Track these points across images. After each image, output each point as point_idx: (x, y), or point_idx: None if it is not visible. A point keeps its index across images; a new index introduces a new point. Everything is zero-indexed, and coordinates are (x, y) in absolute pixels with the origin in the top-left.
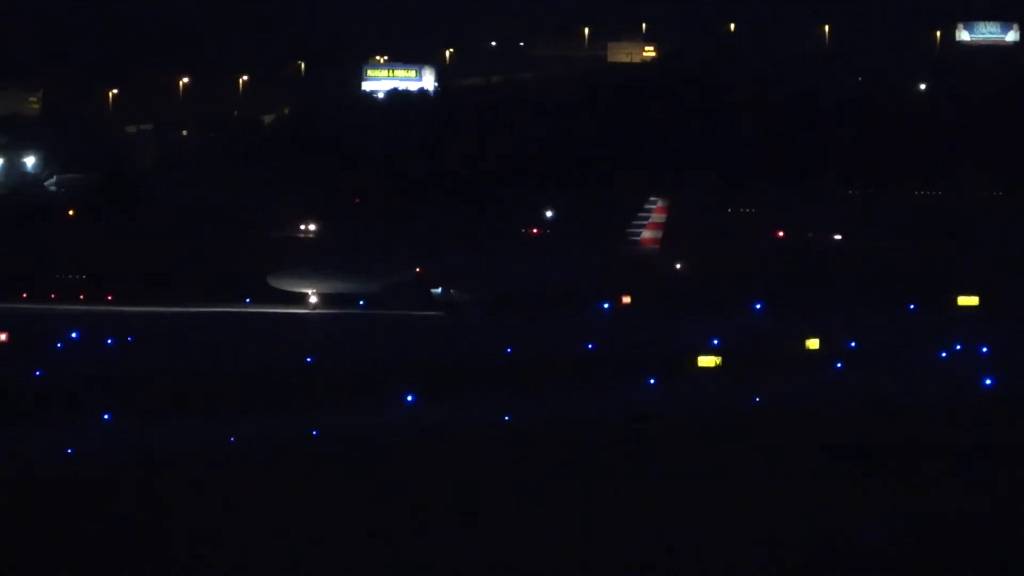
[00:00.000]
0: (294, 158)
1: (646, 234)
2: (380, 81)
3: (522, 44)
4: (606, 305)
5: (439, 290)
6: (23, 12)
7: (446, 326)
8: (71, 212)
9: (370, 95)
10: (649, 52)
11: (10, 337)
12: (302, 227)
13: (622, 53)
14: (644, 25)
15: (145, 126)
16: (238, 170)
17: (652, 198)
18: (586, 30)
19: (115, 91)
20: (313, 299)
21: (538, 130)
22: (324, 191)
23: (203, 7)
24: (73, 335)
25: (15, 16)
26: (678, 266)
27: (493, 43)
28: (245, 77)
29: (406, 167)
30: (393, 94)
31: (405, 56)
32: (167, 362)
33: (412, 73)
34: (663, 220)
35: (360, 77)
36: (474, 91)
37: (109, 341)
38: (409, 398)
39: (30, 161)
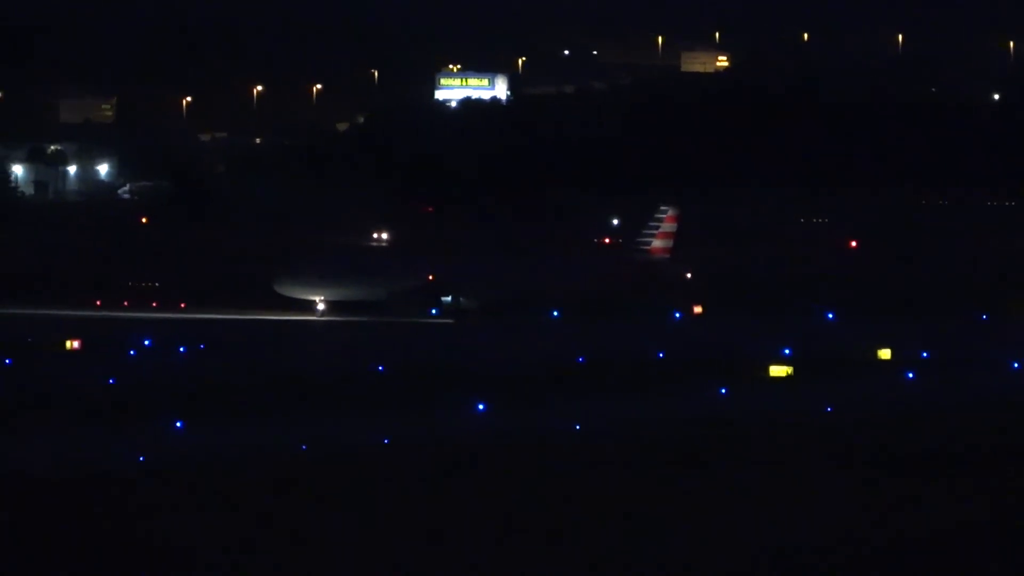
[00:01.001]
0: (367, 166)
1: (656, 243)
2: (453, 90)
3: (595, 53)
4: (677, 314)
5: (448, 297)
6: (97, 20)
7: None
8: (144, 219)
9: (443, 103)
10: (722, 61)
11: (83, 344)
12: (374, 235)
13: (695, 62)
14: (717, 34)
15: (219, 134)
16: (311, 178)
17: (663, 207)
18: (659, 39)
19: (189, 99)
20: (320, 306)
21: (610, 139)
22: (397, 199)
23: (278, 15)
24: (146, 342)
25: (90, 24)
26: (688, 275)
27: (566, 52)
28: (319, 85)
29: (477, 175)
30: (466, 102)
31: (478, 64)
32: (238, 369)
33: (485, 82)
34: (673, 229)
35: (433, 85)
36: (546, 100)
37: (181, 349)
38: (480, 406)
39: (103, 169)
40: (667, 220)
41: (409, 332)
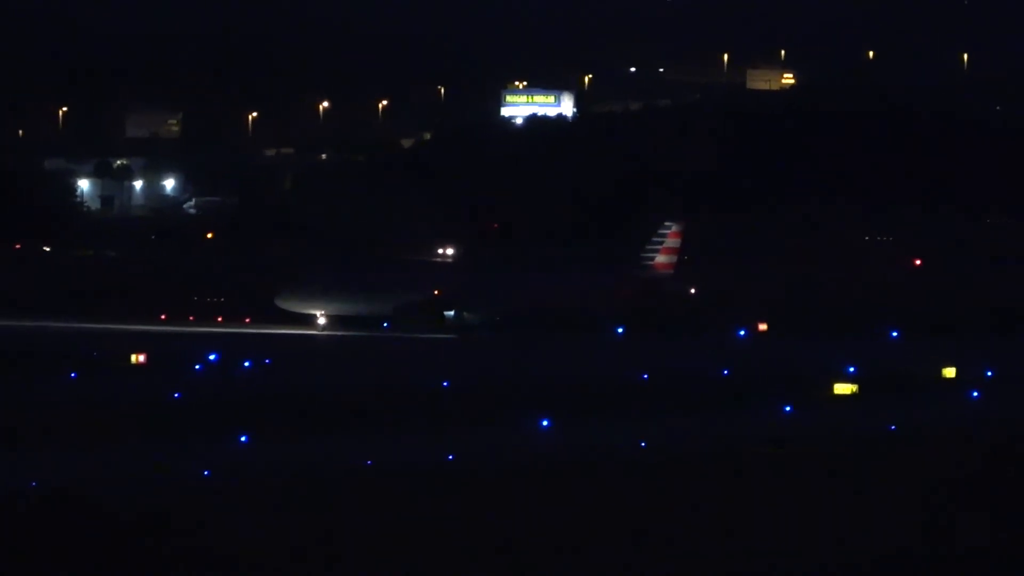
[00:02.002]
0: (432, 182)
1: (660, 259)
2: (519, 106)
3: (661, 70)
4: (741, 332)
5: (451, 312)
6: (164, 35)
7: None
8: (209, 235)
9: (509, 120)
10: (788, 79)
11: (149, 359)
12: (439, 251)
13: (761, 80)
14: (783, 52)
15: (285, 149)
16: (377, 194)
17: (667, 223)
18: (725, 57)
19: (255, 114)
20: (321, 320)
21: (676, 156)
22: (462, 215)
23: (344, 32)
24: (211, 357)
25: (156, 39)
26: (692, 291)
27: (632, 69)
28: (385, 101)
29: (543, 192)
30: (532, 119)
31: (544, 81)
32: (303, 383)
33: (551, 99)
34: (677, 245)
35: (499, 102)
36: (612, 117)
37: (246, 363)
38: (544, 422)
39: (169, 184)
40: (671, 236)
41: (456, 347)
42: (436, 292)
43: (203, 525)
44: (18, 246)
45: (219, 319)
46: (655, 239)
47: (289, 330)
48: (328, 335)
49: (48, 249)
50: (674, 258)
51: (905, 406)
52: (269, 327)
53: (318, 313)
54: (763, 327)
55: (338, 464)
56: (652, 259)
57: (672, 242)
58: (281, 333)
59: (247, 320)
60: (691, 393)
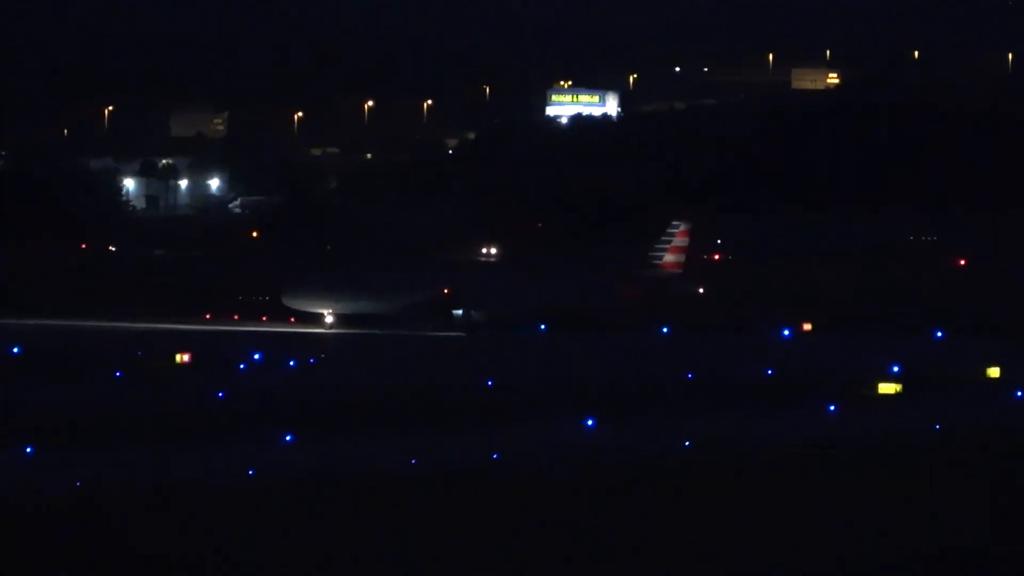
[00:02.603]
0: (477, 182)
1: (668, 258)
2: (564, 106)
3: (706, 70)
4: (786, 331)
5: (459, 311)
6: (210, 35)
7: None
8: (254, 233)
9: (553, 120)
10: (833, 79)
11: (193, 358)
12: (483, 250)
13: (806, 79)
14: (828, 52)
15: (330, 149)
16: (421, 193)
17: (675, 222)
18: (770, 56)
19: (300, 114)
20: (329, 319)
21: (720, 156)
22: (506, 215)
23: (390, 32)
24: (255, 356)
25: (202, 39)
26: (700, 290)
27: (677, 69)
28: (430, 101)
29: (587, 192)
30: (576, 119)
31: (589, 81)
32: (349, 382)
33: (595, 98)
34: (685, 244)
35: (544, 102)
36: (656, 117)
37: (291, 363)
38: (589, 422)
39: (214, 183)
40: (679, 235)
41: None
42: (446, 291)
43: (246, 524)
44: (84, 245)
45: (264, 318)
46: (663, 238)
47: (326, 329)
48: (372, 334)
49: (114, 249)
50: (682, 257)
51: (949, 406)
52: (279, 325)
53: (325, 312)
54: (808, 326)
55: (384, 463)
56: (660, 258)
57: (680, 241)
58: (323, 332)
59: (292, 320)
60: (736, 393)
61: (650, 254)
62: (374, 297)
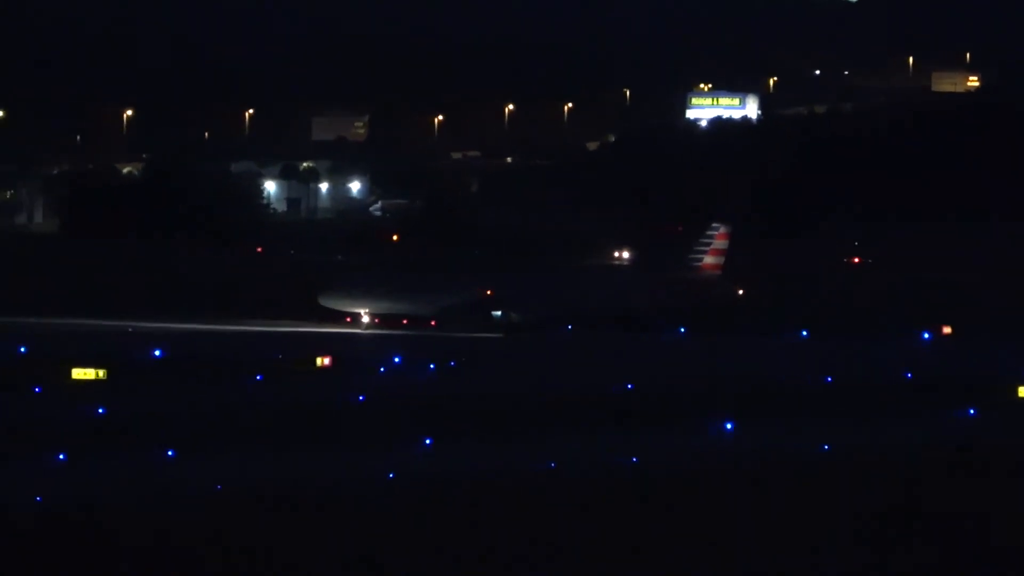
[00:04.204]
0: (617, 185)
1: (707, 260)
2: (704, 109)
3: (846, 73)
4: (926, 334)
5: (499, 312)
6: (351, 39)
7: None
8: (395, 237)
9: (693, 123)
10: (973, 82)
11: (334, 361)
12: (617, 254)
13: (946, 82)
14: (968, 54)
15: (471, 152)
16: (562, 197)
17: (714, 224)
18: (910, 59)
19: (440, 117)
20: (365, 319)
21: (860, 160)
22: (646, 218)
23: (529, 37)
24: (396, 360)
25: (342, 43)
26: (740, 292)
27: (817, 72)
28: (570, 104)
29: (726, 195)
30: (716, 122)
31: (729, 84)
32: (486, 387)
33: (736, 101)
34: (725, 246)
35: (684, 105)
36: (796, 120)
37: (431, 366)
38: (728, 425)
39: (355, 186)
40: (718, 237)
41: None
42: (488, 292)
43: (385, 529)
44: (260, 249)
45: (404, 321)
46: (703, 240)
47: (363, 330)
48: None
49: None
50: (722, 259)
51: None
52: (313, 325)
53: (362, 312)
54: (947, 330)
55: (521, 467)
56: (700, 260)
57: (720, 243)
58: (462, 335)
59: (404, 322)
60: (875, 396)
61: (689, 256)
62: (410, 298)
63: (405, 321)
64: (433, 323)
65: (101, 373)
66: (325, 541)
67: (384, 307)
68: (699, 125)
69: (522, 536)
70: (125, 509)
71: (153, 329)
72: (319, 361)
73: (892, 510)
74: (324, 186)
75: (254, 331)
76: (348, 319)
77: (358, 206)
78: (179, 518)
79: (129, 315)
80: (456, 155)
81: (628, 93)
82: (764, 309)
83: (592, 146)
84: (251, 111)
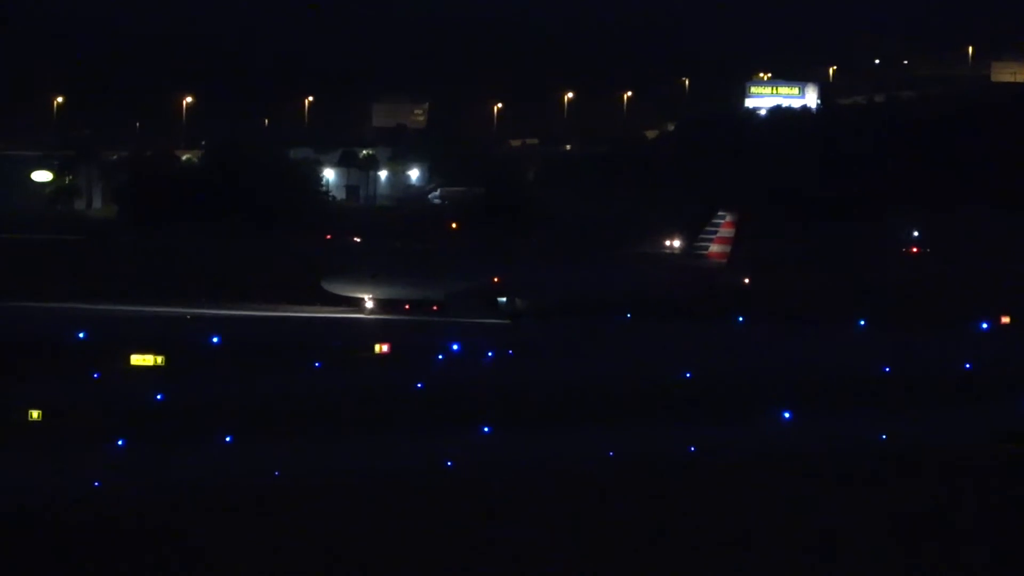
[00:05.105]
0: (676, 173)
1: (714, 248)
2: (763, 98)
3: (906, 63)
4: (984, 324)
5: (504, 299)
6: (411, 27)
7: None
8: (454, 225)
9: (752, 111)
10: None
11: (392, 348)
12: (668, 242)
13: (1006, 72)
14: None
15: (530, 140)
16: (620, 184)
17: (720, 212)
18: (970, 49)
19: (500, 105)
20: (369, 304)
21: (919, 150)
22: (705, 206)
23: (589, 25)
24: (454, 347)
25: (405, 31)
26: (746, 281)
27: (876, 61)
28: (629, 92)
29: (785, 184)
30: (775, 111)
31: (789, 73)
32: (543, 374)
33: (795, 90)
34: (731, 235)
35: (743, 94)
36: (856, 110)
37: (489, 353)
38: (786, 415)
39: (414, 174)
40: (725, 226)
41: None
42: (495, 280)
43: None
44: (329, 237)
45: (407, 307)
46: (709, 229)
47: (365, 315)
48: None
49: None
50: (728, 248)
51: None
52: (315, 310)
53: (365, 297)
54: (1006, 319)
55: (577, 456)
56: (706, 249)
57: (726, 232)
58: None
59: (434, 308)
60: (933, 387)
61: (695, 244)
62: (415, 284)
63: (408, 307)
64: (436, 308)
65: (160, 359)
66: (385, 526)
67: (389, 292)
68: (758, 114)
69: (580, 523)
70: (183, 494)
71: (212, 315)
72: (377, 348)
73: (948, 500)
74: (383, 174)
75: (314, 317)
76: (351, 304)
77: (417, 194)
78: (237, 504)
79: (188, 302)
80: (515, 143)
81: (687, 82)
82: (775, 298)
83: (651, 134)
84: (310, 98)
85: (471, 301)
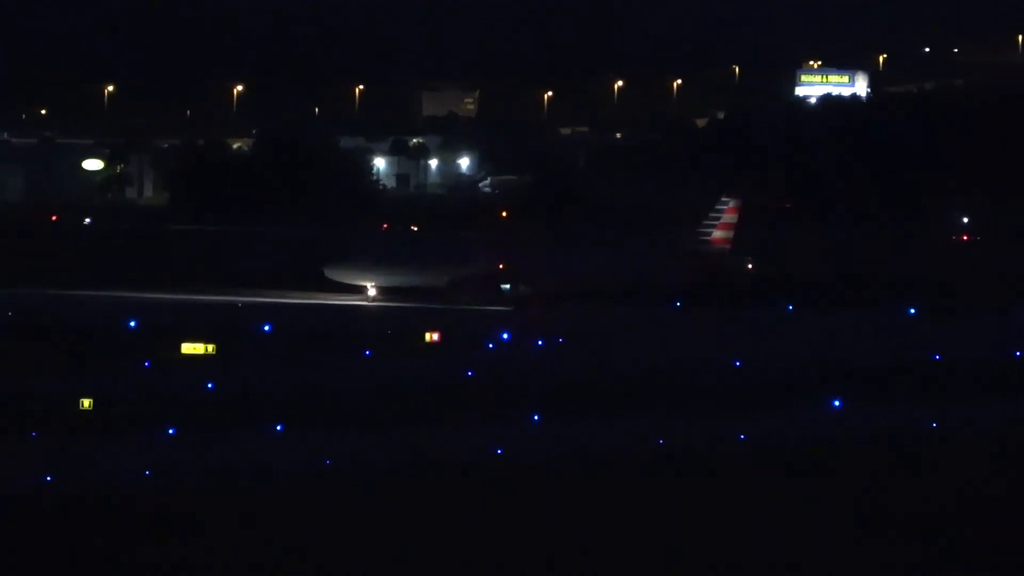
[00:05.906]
0: (726, 161)
1: (717, 234)
2: (813, 86)
3: (956, 51)
4: None
5: (507, 285)
6: (461, 14)
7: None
8: (504, 213)
9: (803, 100)
10: None
11: (442, 336)
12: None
13: None
14: None
15: (580, 128)
16: (671, 173)
17: (724, 198)
18: (1020, 37)
19: (550, 93)
20: (371, 291)
21: (970, 138)
22: (754, 195)
23: (639, 12)
24: (503, 335)
25: (455, 19)
26: (749, 266)
27: (927, 49)
28: (679, 80)
29: (835, 173)
30: (825, 99)
31: (839, 61)
32: (596, 363)
33: (845, 79)
34: (734, 220)
35: (794, 82)
36: (906, 98)
37: (539, 342)
38: (836, 403)
39: (464, 162)
40: (728, 211)
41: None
42: (500, 266)
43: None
44: (386, 226)
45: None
46: (712, 214)
47: (368, 302)
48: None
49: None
50: (731, 233)
51: None
52: (316, 296)
53: (368, 284)
54: None
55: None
56: (709, 234)
57: (729, 217)
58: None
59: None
60: (983, 374)
61: (699, 230)
62: (417, 270)
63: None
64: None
65: (211, 348)
66: (435, 515)
67: (392, 279)
68: (808, 102)
69: (629, 512)
70: (234, 484)
71: (262, 304)
72: (428, 336)
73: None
74: (433, 162)
75: (363, 305)
76: (353, 290)
77: (467, 182)
78: (288, 493)
79: (238, 289)
80: (565, 131)
81: (737, 70)
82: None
83: (701, 123)
84: (361, 86)
85: (476, 287)
